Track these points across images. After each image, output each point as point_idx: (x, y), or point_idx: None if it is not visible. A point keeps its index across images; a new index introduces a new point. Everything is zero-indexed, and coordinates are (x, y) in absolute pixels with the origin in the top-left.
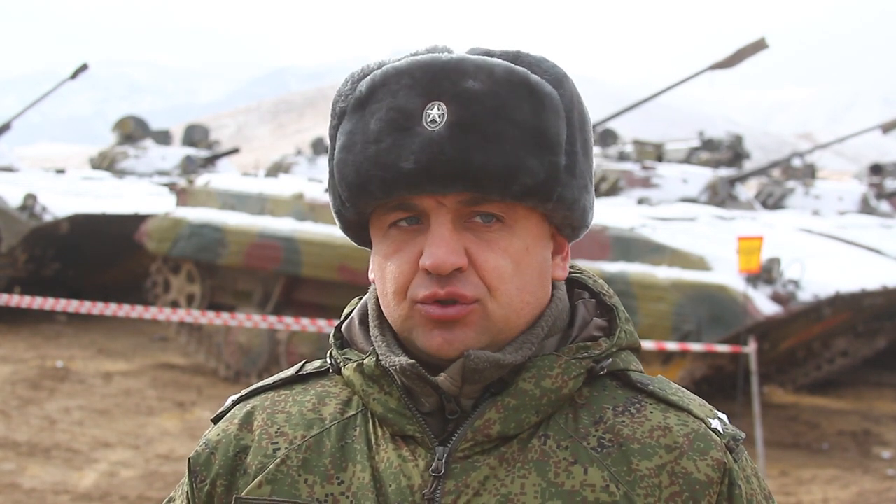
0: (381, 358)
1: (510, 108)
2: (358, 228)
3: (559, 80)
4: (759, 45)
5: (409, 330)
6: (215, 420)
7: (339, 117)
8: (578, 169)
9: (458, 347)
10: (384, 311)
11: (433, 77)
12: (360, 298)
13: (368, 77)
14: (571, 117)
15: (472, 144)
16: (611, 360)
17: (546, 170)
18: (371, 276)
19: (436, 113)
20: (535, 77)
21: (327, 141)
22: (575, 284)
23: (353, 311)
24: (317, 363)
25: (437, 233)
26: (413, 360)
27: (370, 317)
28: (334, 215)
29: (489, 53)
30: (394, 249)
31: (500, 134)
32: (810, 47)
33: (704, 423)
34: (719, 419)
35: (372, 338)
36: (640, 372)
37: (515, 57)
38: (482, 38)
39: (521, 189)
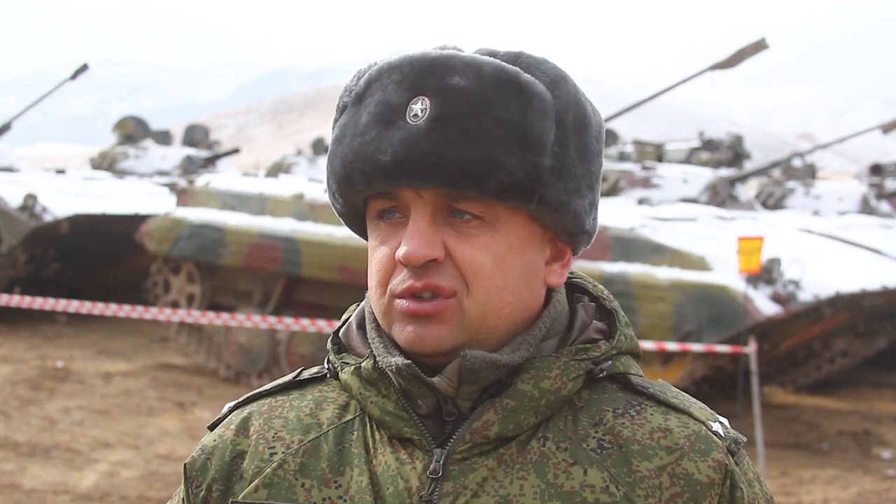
0: (378, 359)
1: (494, 106)
2: (357, 221)
3: (556, 81)
4: (759, 46)
5: (389, 325)
6: (212, 427)
7: (340, 112)
8: (568, 172)
9: (430, 343)
10: (372, 307)
11: (420, 72)
12: (358, 304)
13: (367, 72)
14: (564, 119)
15: (450, 140)
16: (610, 362)
17: (525, 169)
18: None
19: (419, 108)
20: (526, 76)
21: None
22: (574, 288)
23: (350, 316)
24: (314, 369)
25: (414, 225)
26: (409, 361)
27: (367, 320)
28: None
29: (493, 54)
30: (379, 242)
31: (479, 131)
32: (810, 48)
33: (705, 425)
34: (720, 423)
35: (369, 339)
36: (640, 376)
37: (517, 57)
38: (483, 38)
39: (498, 187)
